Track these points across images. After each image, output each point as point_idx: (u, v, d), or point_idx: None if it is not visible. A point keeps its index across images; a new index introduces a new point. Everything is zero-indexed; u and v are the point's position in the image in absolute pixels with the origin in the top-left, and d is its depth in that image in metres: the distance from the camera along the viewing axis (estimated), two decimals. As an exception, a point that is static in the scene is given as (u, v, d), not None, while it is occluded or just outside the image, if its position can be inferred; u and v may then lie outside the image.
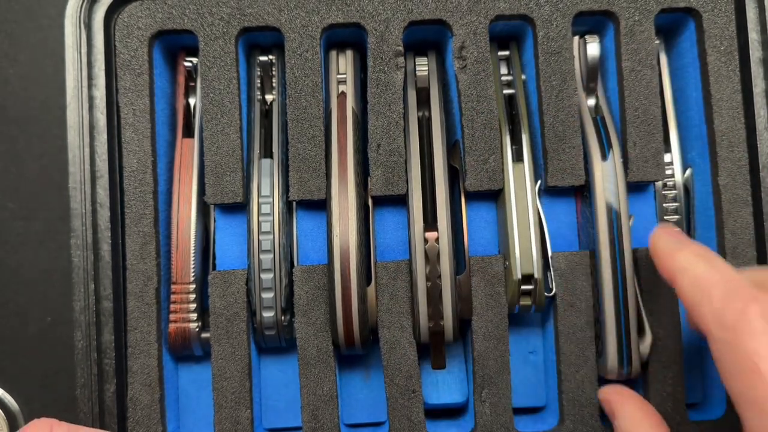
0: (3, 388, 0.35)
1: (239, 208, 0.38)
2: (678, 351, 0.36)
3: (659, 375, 0.36)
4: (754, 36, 0.37)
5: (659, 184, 0.39)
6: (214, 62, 0.37)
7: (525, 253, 0.36)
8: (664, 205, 0.39)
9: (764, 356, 0.25)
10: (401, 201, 0.38)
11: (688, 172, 0.39)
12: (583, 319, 0.36)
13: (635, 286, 0.35)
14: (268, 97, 0.39)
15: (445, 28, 0.38)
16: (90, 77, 0.36)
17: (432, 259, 0.32)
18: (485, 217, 0.39)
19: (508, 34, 0.40)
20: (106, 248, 0.35)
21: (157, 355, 0.36)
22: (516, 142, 0.38)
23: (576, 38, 0.39)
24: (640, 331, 0.36)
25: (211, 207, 0.39)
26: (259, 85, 0.39)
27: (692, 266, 0.29)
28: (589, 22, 0.38)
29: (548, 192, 0.38)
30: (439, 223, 0.35)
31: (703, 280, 0.28)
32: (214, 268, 0.39)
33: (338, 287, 0.36)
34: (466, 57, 0.37)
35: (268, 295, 0.37)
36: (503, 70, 0.40)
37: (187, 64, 0.39)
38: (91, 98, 0.36)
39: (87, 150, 0.35)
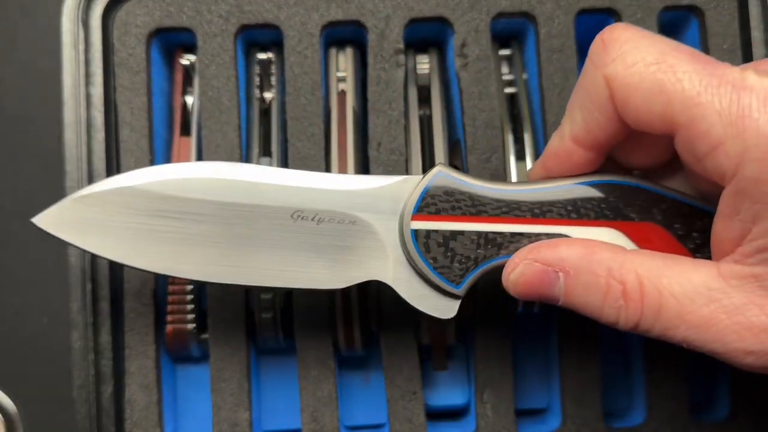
0: (0, 389, 0.35)
1: (238, 207, 0.38)
2: (680, 349, 0.36)
3: (660, 375, 0.36)
4: (756, 34, 0.37)
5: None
6: (213, 60, 0.37)
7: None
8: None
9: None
10: (402, 200, 0.37)
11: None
12: (585, 320, 0.36)
13: None
14: (267, 96, 0.39)
15: (447, 25, 0.37)
16: (87, 75, 0.36)
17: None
18: (487, 217, 0.39)
19: (510, 32, 0.40)
20: (103, 248, 0.35)
21: (155, 356, 0.36)
22: (518, 140, 0.38)
23: None
24: None
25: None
26: (258, 83, 0.39)
27: None
28: (592, 20, 0.38)
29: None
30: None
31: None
32: (212, 268, 0.38)
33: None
34: (467, 55, 0.37)
35: (266, 296, 0.36)
36: (505, 68, 0.40)
37: (184, 62, 0.39)
38: (88, 96, 0.36)
39: (84, 148, 0.35)
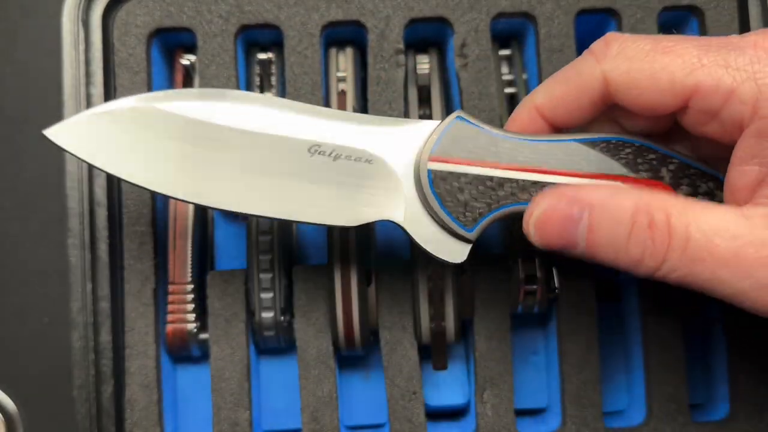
0: (0, 389, 0.35)
1: (238, 207, 0.38)
2: (680, 349, 0.36)
3: (660, 375, 0.36)
4: (756, 34, 0.37)
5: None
6: (213, 60, 0.37)
7: (529, 251, 0.36)
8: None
9: None
10: (402, 200, 0.37)
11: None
12: (585, 320, 0.36)
13: None
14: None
15: (446, 25, 0.37)
16: (87, 75, 0.36)
17: (434, 258, 0.32)
18: (487, 217, 0.39)
19: (510, 32, 0.40)
20: (103, 248, 0.35)
21: (155, 356, 0.36)
22: (518, 140, 0.38)
23: None
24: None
25: (210, 206, 0.38)
26: (258, 83, 0.39)
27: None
28: (592, 20, 0.38)
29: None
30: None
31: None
32: (212, 268, 0.38)
33: (338, 287, 0.36)
34: (467, 55, 0.37)
35: (267, 296, 0.36)
36: (505, 68, 0.40)
37: (185, 62, 0.39)
38: (88, 96, 0.36)
39: (84, 149, 0.35)
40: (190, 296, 0.37)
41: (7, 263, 0.35)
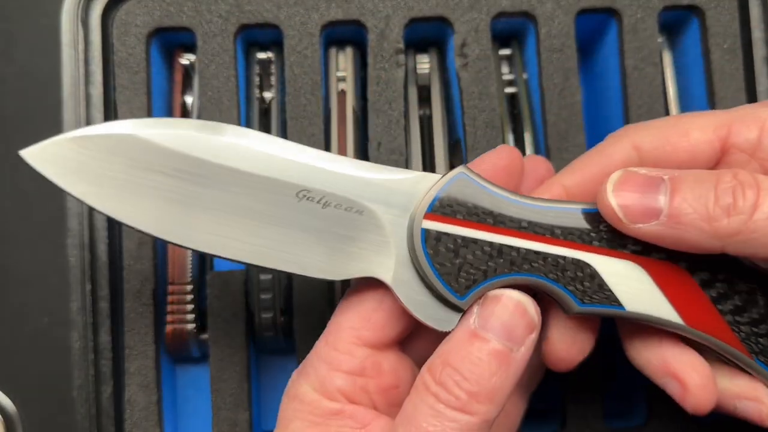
0: (0, 389, 0.35)
1: (238, 207, 0.38)
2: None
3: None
4: (757, 34, 0.37)
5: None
6: (212, 60, 0.37)
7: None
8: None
9: None
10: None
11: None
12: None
13: None
14: (267, 95, 0.39)
15: (447, 25, 0.37)
16: (87, 75, 0.36)
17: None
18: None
19: (510, 32, 0.40)
20: (103, 248, 0.35)
21: (155, 356, 0.36)
22: (518, 140, 0.38)
23: None
24: None
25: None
26: (257, 83, 0.39)
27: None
28: (592, 20, 0.38)
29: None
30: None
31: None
32: (212, 268, 0.38)
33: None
34: (467, 54, 0.37)
35: (266, 296, 0.36)
36: (505, 68, 0.40)
37: (184, 61, 0.39)
38: (88, 96, 0.36)
39: (84, 149, 0.35)
40: (190, 296, 0.37)
41: (7, 263, 0.35)
